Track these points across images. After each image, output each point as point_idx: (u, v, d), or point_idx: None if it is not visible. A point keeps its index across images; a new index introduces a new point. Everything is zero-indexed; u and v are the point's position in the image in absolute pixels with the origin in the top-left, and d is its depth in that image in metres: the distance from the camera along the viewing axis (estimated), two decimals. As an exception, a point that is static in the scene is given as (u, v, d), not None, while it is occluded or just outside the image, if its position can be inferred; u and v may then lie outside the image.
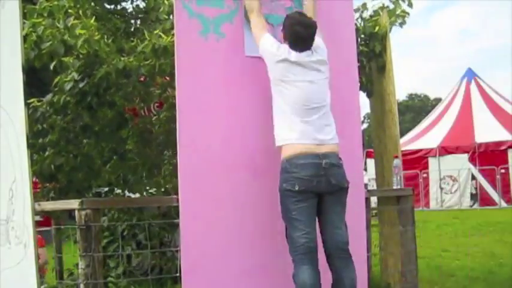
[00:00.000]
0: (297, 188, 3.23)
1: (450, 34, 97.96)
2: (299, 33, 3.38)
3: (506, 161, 15.98)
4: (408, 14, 5.46)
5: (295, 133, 3.31)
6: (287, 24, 3.45)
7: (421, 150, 16.85)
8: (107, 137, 5.40)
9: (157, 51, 4.41)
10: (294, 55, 3.38)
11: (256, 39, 3.49)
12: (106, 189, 5.95)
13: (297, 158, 3.26)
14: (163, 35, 4.44)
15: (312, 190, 3.25)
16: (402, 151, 6.75)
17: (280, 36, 3.54)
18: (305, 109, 3.33)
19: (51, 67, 4.74)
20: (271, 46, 3.41)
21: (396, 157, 4.99)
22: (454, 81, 20.02)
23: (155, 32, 4.52)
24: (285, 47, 3.41)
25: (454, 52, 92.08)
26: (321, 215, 3.33)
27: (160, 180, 5.72)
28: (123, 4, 5.86)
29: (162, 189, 5.81)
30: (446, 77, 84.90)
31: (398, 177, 4.82)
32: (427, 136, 17.81)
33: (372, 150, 6.65)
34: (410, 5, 5.47)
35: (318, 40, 3.50)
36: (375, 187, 6.51)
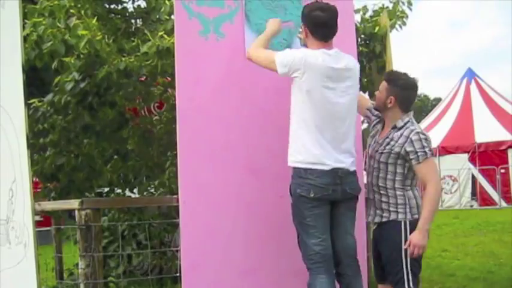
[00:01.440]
0: (312, 195, 3.14)
1: (440, 26, 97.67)
2: (319, 18, 3.22)
3: (506, 161, 15.98)
4: (407, 15, 5.47)
5: (314, 146, 3.17)
6: (306, 13, 3.29)
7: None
8: (108, 137, 5.41)
9: (161, 52, 4.41)
10: (327, 57, 3.20)
11: (270, 63, 3.26)
12: (107, 189, 5.96)
13: (314, 165, 3.16)
14: (166, 36, 4.45)
15: (326, 198, 3.17)
16: (402, 151, 6.73)
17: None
18: (331, 119, 3.19)
19: (52, 67, 4.74)
20: (293, 59, 3.18)
21: (396, 157, 4.98)
22: (453, 81, 20.05)
23: (158, 33, 4.52)
24: (312, 53, 3.21)
25: (447, 45, 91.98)
26: (333, 222, 3.25)
27: (165, 181, 5.72)
28: (124, 4, 5.87)
29: (163, 189, 5.81)
30: (444, 73, 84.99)
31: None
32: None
33: (372, 150, 6.64)
34: (410, 5, 5.48)
35: (351, 58, 3.38)
36: (375, 187, 6.49)
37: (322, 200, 3.17)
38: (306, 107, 3.19)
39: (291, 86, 3.27)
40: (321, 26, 3.24)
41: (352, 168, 3.27)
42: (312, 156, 3.17)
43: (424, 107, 44.04)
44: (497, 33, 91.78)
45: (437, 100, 34.62)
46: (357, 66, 3.41)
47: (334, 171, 3.17)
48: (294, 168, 3.23)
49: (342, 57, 3.28)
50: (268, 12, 3.66)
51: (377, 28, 5.27)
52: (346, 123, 3.27)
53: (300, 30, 3.47)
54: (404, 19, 5.48)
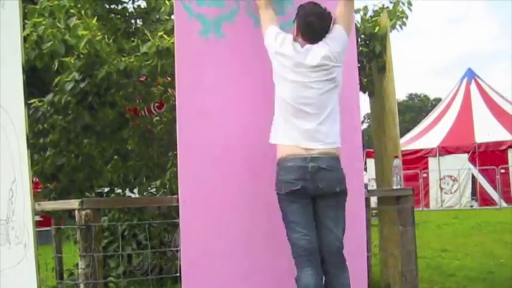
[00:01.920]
0: (282, 191, 3.23)
1: (440, 26, 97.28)
2: (312, 24, 3.29)
3: (506, 161, 16.00)
4: (407, 15, 5.47)
5: (285, 134, 3.28)
6: (301, 14, 3.35)
7: (421, 150, 16.88)
8: (108, 137, 5.41)
9: (161, 52, 4.42)
10: (295, 53, 3.28)
11: (262, 33, 3.45)
12: (107, 189, 5.96)
13: (285, 161, 3.23)
14: (166, 36, 4.45)
15: (299, 193, 3.20)
16: (402, 151, 6.75)
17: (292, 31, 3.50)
18: (298, 110, 3.25)
19: (54, 68, 4.75)
20: (273, 39, 3.36)
21: (396, 157, 4.99)
22: (453, 81, 20.05)
23: (158, 33, 4.52)
24: (289, 40, 3.32)
25: (447, 45, 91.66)
26: (315, 219, 3.28)
27: (166, 181, 5.72)
28: (124, 4, 5.86)
29: (164, 190, 5.81)
30: (444, 73, 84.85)
31: (398, 177, 4.82)
32: (427, 136, 17.82)
33: (371, 150, 6.65)
34: (409, 5, 5.48)
35: (338, 31, 3.36)
36: (374, 187, 6.51)
37: (296, 195, 3.19)
38: (277, 90, 3.34)
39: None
40: (313, 32, 3.32)
41: (324, 165, 3.22)
42: (283, 147, 3.27)
43: (424, 107, 44.06)
44: (496, 33, 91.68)
45: (437, 100, 34.64)
46: (333, 52, 3.34)
47: (303, 167, 3.18)
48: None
49: (322, 47, 3.31)
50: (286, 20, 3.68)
51: (377, 28, 5.27)
52: (319, 115, 3.27)
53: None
54: (404, 19, 5.49)
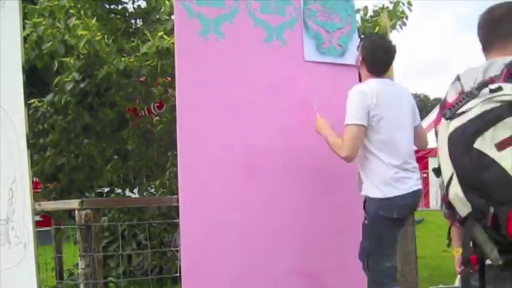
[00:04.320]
0: (394, 215, 3.16)
1: (440, 26, 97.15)
2: (380, 58, 3.32)
3: (506, 161, 15.96)
4: (407, 16, 5.47)
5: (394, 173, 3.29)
6: (368, 47, 3.35)
7: (421, 150, 16.86)
8: (108, 137, 5.41)
9: (161, 52, 4.42)
10: (380, 85, 3.28)
11: (351, 137, 3.22)
12: (107, 189, 5.96)
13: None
14: (166, 37, 4.45)
15: (404, 218, 3.28)
16: (402, 151, 6.73)
17: (335, 42, 3.67)
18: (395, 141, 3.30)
19: (54, 68, 4.75)
20: (364, 107, 3.22)
21: (396, 157, 4.97)
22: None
23: (158, 34, 4.52)
24: (368, 86, 3.26)
25: (447, 45, 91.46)
26: None
27: (165, 181, 5.73)
28: (124, 4, 5.87)
29: (164, 190, 5.81)
30: (444, 73, 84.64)
31: (399, 177, 4.81)
32: (427, 136, 17.79)
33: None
34: (409, 5, 5.48)
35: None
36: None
37: (402, 220, 3.27)
38: (372, 134, 3.25)
39: None
40: (380, 65, 3.33)
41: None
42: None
43: (424, 107, 44.05)
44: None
45: (437, 100, 34.65)
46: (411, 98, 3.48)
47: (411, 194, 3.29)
48: None
49: (393, 84, 3.45)
50: (325, 20, 3.74)
51: (377, 28, 5.26)
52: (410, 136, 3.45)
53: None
54: (404, 19, 5.49)
